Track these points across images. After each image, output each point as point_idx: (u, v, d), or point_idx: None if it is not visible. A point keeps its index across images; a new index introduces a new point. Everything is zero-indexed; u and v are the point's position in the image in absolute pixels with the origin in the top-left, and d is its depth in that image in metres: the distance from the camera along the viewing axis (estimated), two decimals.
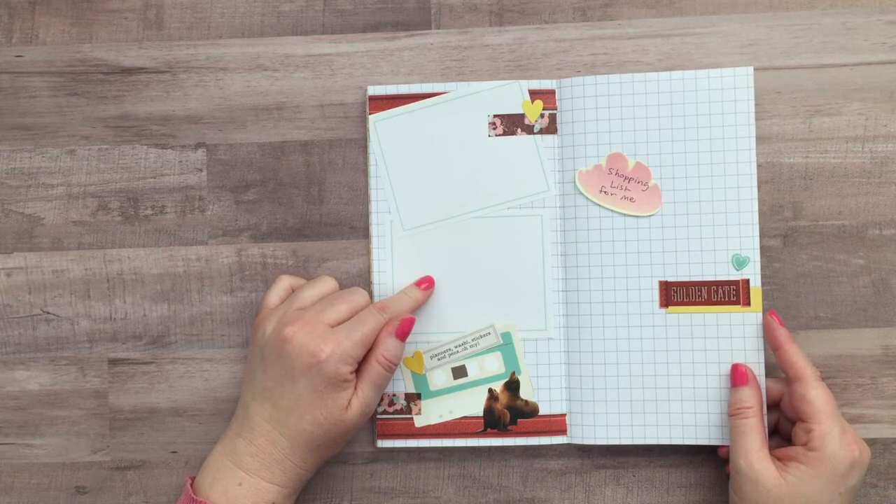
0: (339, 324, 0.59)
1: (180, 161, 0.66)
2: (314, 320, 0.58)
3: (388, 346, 0.59)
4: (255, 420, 0.58)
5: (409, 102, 0.65)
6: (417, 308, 0.63)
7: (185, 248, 0.66)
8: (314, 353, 0.57)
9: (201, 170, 0.66)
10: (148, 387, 0.65)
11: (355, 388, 0.59)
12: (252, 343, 0.61)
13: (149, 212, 0.66)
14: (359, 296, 0.61)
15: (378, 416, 0.64)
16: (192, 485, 0.58)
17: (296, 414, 0.57)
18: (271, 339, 0.58)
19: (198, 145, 0.66)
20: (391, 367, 0.60)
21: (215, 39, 0.66)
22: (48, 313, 0.66)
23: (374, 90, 0.65)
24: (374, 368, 0.59)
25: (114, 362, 0.66)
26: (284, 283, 0.63)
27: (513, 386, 0.64)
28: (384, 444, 0.64)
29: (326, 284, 0.62)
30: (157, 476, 0.65)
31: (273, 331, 0.59)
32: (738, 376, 0.60)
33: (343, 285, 0.64)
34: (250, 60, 0.66)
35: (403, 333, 0.60)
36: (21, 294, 0.66)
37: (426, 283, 0.64)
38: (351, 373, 0.58)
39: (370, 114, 0.65)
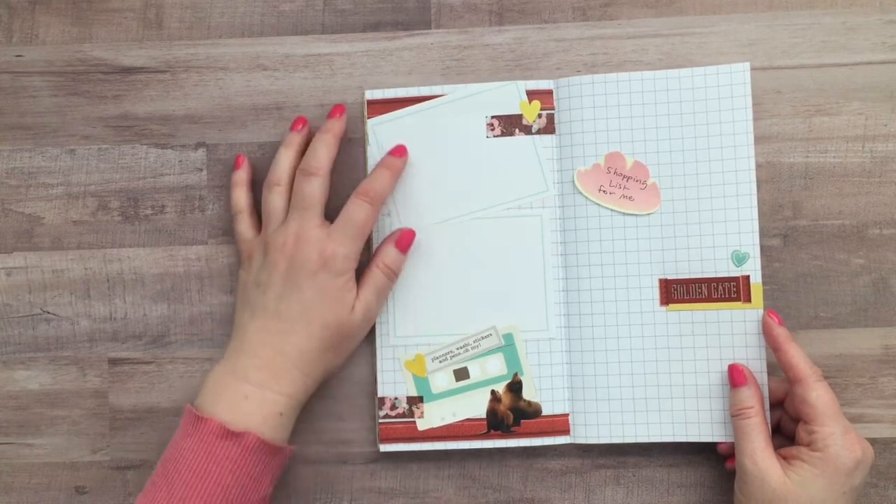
0: (320, 173, 0.60)
1: (180, 161, 0.66)
2: (304, 230, 0.59)
3: (389, 253, 0.62)
4: (257, 335, 0.59)
5: (406, 105, 0.65)
6: (398, 176, 0.63)
7: (185, 248, 0.66)
8: (317, 257, 0.58)
9: (201, 169, 0.66)
10: (148, 386, 0.65)
11: (357, 294, 0.60)
12: (245, 272, 0.61)
13: (149, 211, 0.66)
14: (324, 144, 0.61)
15: (380, 420, 0.64)
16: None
17: (304, 320, 0.58)
18: (269, 262, 0.59)
19: (198, 145, 0.66)
20: (392, 276, 0.62)
21: (215, 39, 0.66)
22: (48, 313, 0.66)
23: (372, 94, 0.65)
24: (374, 274, 0.61)
25: (114, 362, 0.66)
26: (241, 201, 0.63)
27: (515, 387, 0.64)
28: (387, 447, 0.64)
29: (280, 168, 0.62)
30: None
31: (270, 254, 0.60)
32: (736, 376, 0.60)
33: None
34: (250, 60, 0.66)
35: (404, 245, 0.62)
36: (21, 294, 0.66)
37: (398, 152, 0.64)
38: (353, 271, 0.60)
39: (368, 118, 0.65)
